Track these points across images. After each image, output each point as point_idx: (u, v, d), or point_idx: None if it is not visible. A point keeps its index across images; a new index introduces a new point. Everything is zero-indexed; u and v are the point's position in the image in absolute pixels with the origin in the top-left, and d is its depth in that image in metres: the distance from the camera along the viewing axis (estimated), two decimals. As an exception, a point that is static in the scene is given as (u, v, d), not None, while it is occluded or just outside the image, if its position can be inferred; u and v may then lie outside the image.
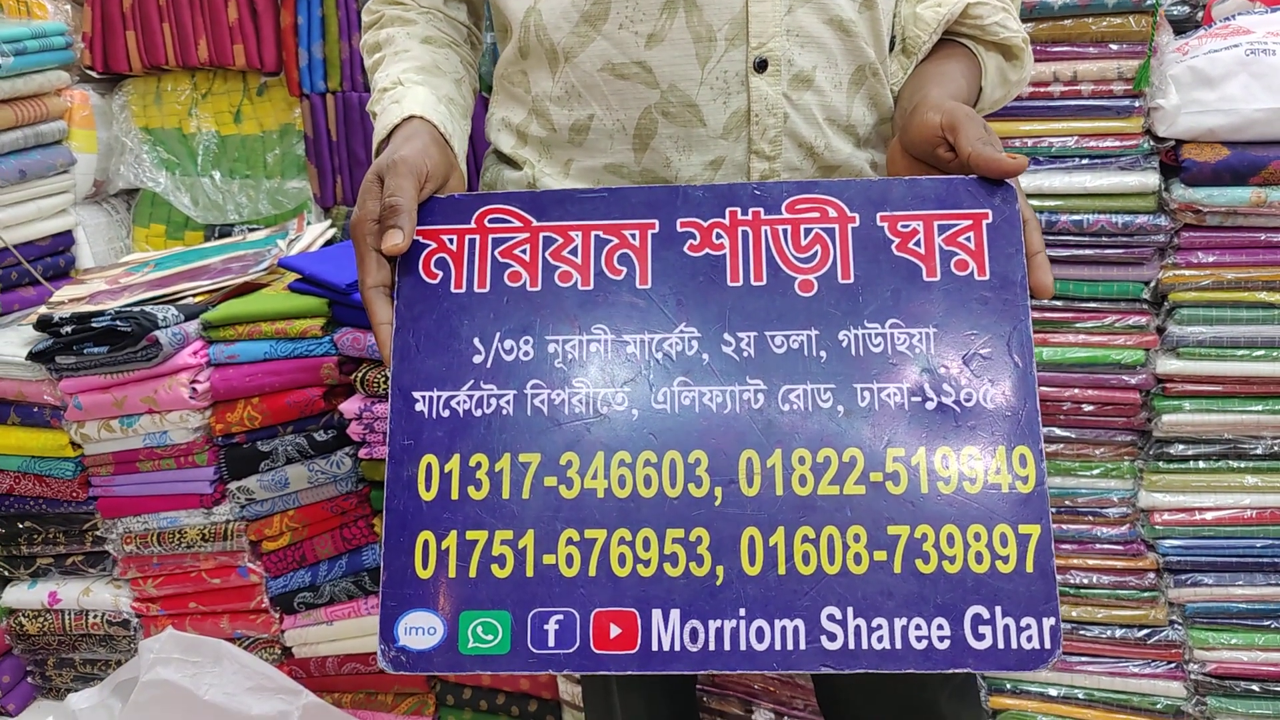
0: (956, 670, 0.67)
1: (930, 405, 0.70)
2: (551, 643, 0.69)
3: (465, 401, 0.74)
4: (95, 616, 1.69)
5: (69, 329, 1.56)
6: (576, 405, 0.73)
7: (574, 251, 0.76)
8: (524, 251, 0.77)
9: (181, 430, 1.57)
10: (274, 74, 1.90)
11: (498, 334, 0.75)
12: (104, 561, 1.70)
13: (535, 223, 0.77)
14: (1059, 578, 1.49)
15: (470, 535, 0.71)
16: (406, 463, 0.73)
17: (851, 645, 0.67)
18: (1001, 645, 0.67)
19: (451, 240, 0.77)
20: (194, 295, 1.63)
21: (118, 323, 1.53)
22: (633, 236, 0.76)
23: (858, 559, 0.69)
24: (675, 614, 0.69)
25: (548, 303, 0.75)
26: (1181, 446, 1.43)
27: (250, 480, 1.57)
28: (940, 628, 0.67)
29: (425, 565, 0.71)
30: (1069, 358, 1.43)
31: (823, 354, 0.72)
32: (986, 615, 0.67)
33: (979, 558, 0.68)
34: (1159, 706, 1.49)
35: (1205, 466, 1.43)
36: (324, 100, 1.84)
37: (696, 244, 0.75)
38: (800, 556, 0.69)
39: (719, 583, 0.69)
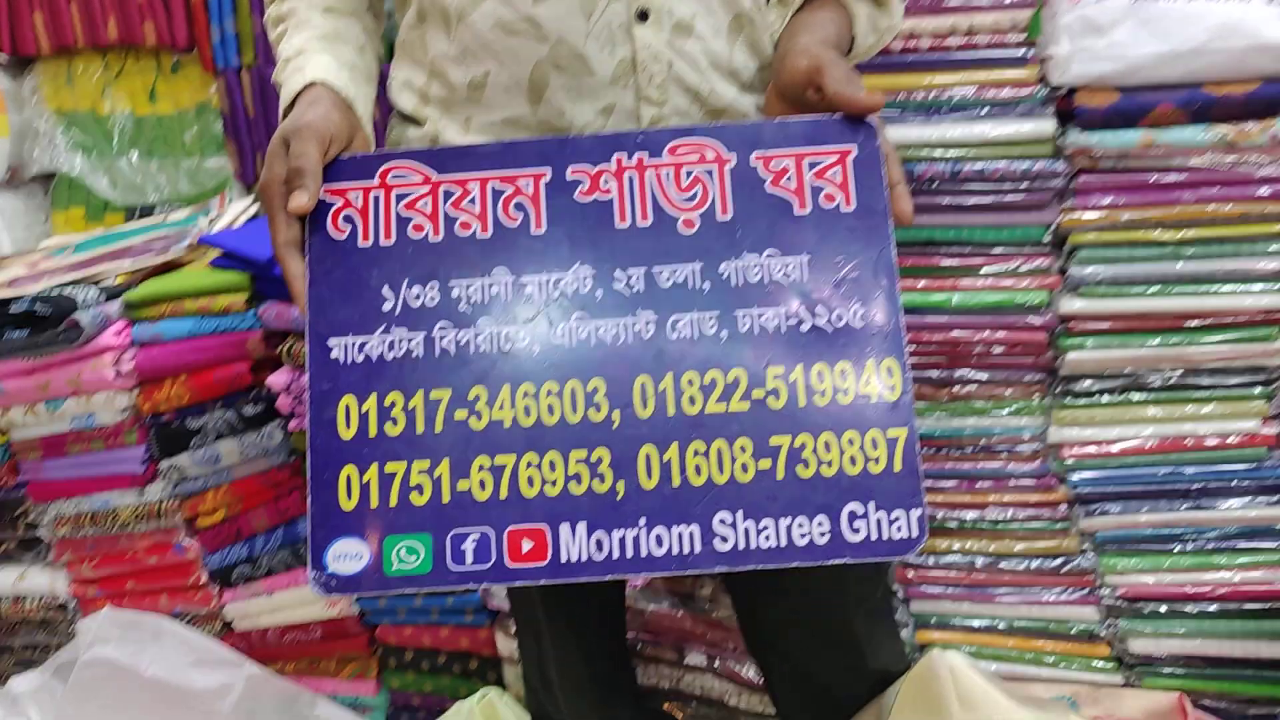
0: (835, 561, 0.75)
1: (805, 327, 0.77)
2: (469, 560, 0.75)
3: (378, 345, 0.80)
4: (31, 602, 1.70)
5: (-13, 315, 1.55)
6: (482, 344, 0.79)
7: (472, 202, 0.82)
8: (425, 205, 0.82)
9: (109, 411, 1.57)
10: (187, 51, 1.88)
11: (405, 281, 0.81)
12: (38, 546, 1.70)
13: (435, 176, 0.82)
14: (974, 514, 1.56)
15: (390, 468, 0.77)
16: (325, 405, 0.78)
17: (742, 545, 0.75)
18: (874, 536, 0.76)
19: (356, 197, 0.83)
20: (115, 276, 1.62)
21: (36, 306, 1.52)
22: (526, 185, 0.81)
23: (744, 468, 0.76)
24: (582, 527, 0.75)
25: (450, 251, 0.81)
26: (1087, 382, 1.50)
27: (181, 458, 1.57)
28: (820, 524, 0.76)
29: (349, 497, 0.76)
30: (978, 302, 1.48)
31: (706, 285, 0.79)
32: (861, 511, 0.76)
33: (853, 460, 0.76)
34: (1074, 631, 1.56)
35: (1109, 400, 1.50)
36: (239, 76, 1.84)
37: (586, 190, 0.81)
38: (693, 469, 0.76)
39: (620, 497, 0.76)
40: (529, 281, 0.80)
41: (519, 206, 0.81)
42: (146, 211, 1.95)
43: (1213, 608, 1.49)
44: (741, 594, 1.21)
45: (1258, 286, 1.40)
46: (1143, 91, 1.36)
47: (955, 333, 1.50)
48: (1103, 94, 1.37)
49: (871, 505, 0.75)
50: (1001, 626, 1.57)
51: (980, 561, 1.57)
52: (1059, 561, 1.55)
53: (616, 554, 0.75)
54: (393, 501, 0.76)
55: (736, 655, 1.44)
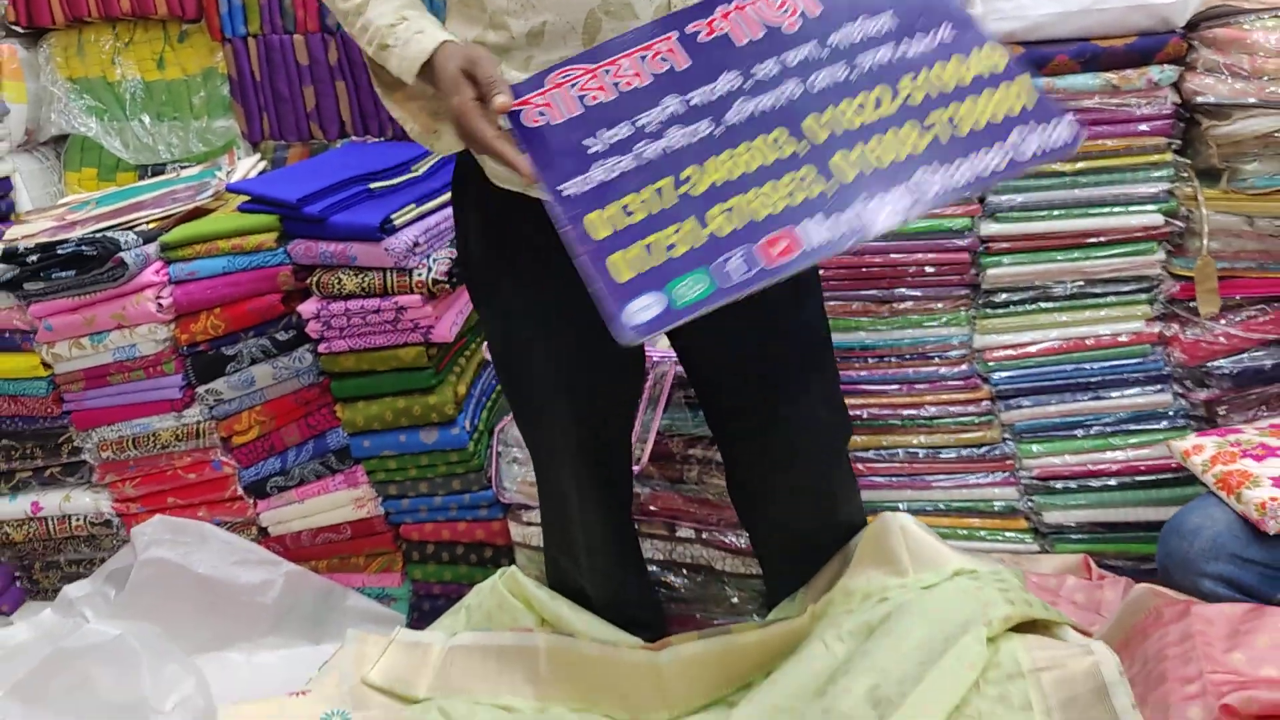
0: (1022, 169, 1.00)
1: (909, 49, 1.05)
2: (740, 272, 0.95)
3: (598, 174, 1.02)
4: (78, 519, 1.87)
5: (35, 257, 1.72)
6: (678, 143, 1.03)
7: (627, 69, 1.07)
8: (592, 83, 1.07)
9: (150, 342, 1.75)
10: (194, 21, 2.05)
11: (599, 130, 1.04)
12: (81, 470, 1.88)
13: (590, 66, 1.07)
14: (912, 412, 1.81)
15: (648, 240, 0.98)
16: (577, 225, 0.99)
17: (946, 186, 0.98)
18: (1042, 147, 1.00)
19: (539, 98, 1.07)
20: (147, 223, 1.80)
21: (83, 248, 1.70)
22: (662, 46, 1.07)
23: (918, 144, 1.00)
24: (817, 218, 0.97)
25: (624, 101, 1.05)
26: (1004, 295, 1.76)
27: (218, 383, 1.77)
28: (999, 150, 0.99)
29: (624, 272, 0.96)
30: (911, 228, 1.73)
31: (825, 53, 1.05)
32: (1024, 131, 1.00)
33: (1000, 106, 1.01)
34: (997, 508, 1.82)
35: (1023, 310, 1.76)
36: (246, 44, 2.02)
37: (706, 33, 1.08)
38: (876, 157, 1.00)
39: (835, 191, 0.98)
40: (693, 95, 1.04)
41: (663, 59, 1.06)
42: (158, 170, 2.12)
43: (1112, 482, 1.77)
44: (733, 460, 1.46)
45: (1140, 208, 1.67)
46: (1043, 45, 1.62)
47: (893, 256, 1.76)
48: (1011, 48, 1.62)
49: (1030, 124, 0.99)
50: (931, 509, 1.83)
51: (918, 453, 1.83)
52: (983, 450, 1.81)
53: (850, 227, 0.95)
54: (660, 259, 0.96)
55: (720, 527, 1.68)
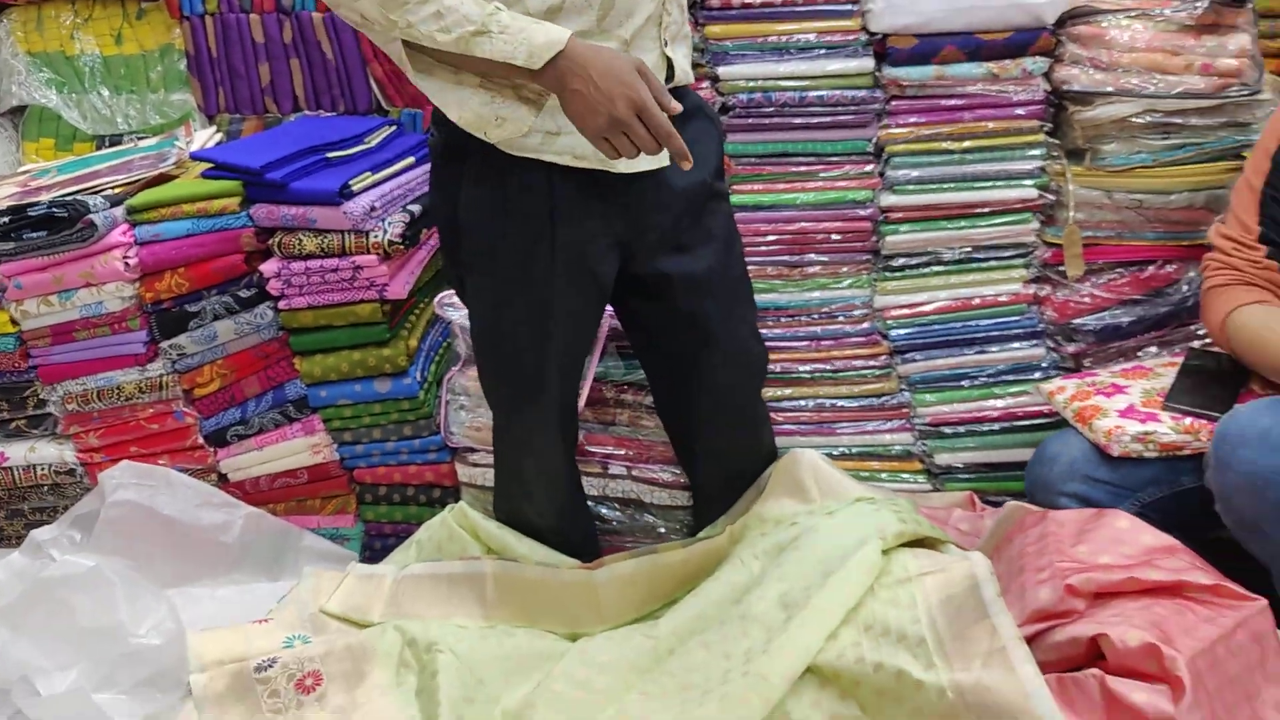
0: None
1: None
2: None
3: None
4: (43, 469, 1.98)
5: (7, 219, 1.83)
6: None
7: None
8: None
9: (116, 300, 1.87)
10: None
11: None
12: (46, 422, 1.98)
13: None
14: (819, 366, 2.01)
15: None
16: None
17: None
18: None
19: None
20: (113, 188, 1.92)
21: (54, 210, 1.81)
22: None
23: None
24: None
25: None
26: (901, 260, 1.97)
27: (181, 338, 1.89)
28: None
29: None
30: (819, 199, 1.93)
31: None
32: None
33: None
34: (894, 452, 2.03)
35: (917, 273, 1.98)
36: (203, 21, 2.13)
37: None
38: None
39: None
40: None
41: None
42: (115, 141, 2.22)
43: (995, 426, 1.99)
44: (671, 396, 1.66)
45: (1017, 183, 1.90)
46: (934, 37, 1.83)
47: (803, 224, 1.96)
48: (906, 39, 1.83)
49: None
50: (838, 452, 2.04)
51: (825, 403, 2.04)
52: (882, 399, 2.02)
53: None
54: None
55: (649, 464, 1.87)
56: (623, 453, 1.88)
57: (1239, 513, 1.36)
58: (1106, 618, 1.25)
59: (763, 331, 1.97)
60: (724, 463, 1.72)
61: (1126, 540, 1.34)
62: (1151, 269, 1.92)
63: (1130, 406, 1.61)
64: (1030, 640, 1.28)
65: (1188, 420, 1.55)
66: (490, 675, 1.56)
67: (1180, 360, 1.70)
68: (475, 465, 1.91)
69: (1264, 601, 1.26)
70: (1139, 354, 1.93)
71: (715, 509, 1.74)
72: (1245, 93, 1.76)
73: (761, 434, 1.75)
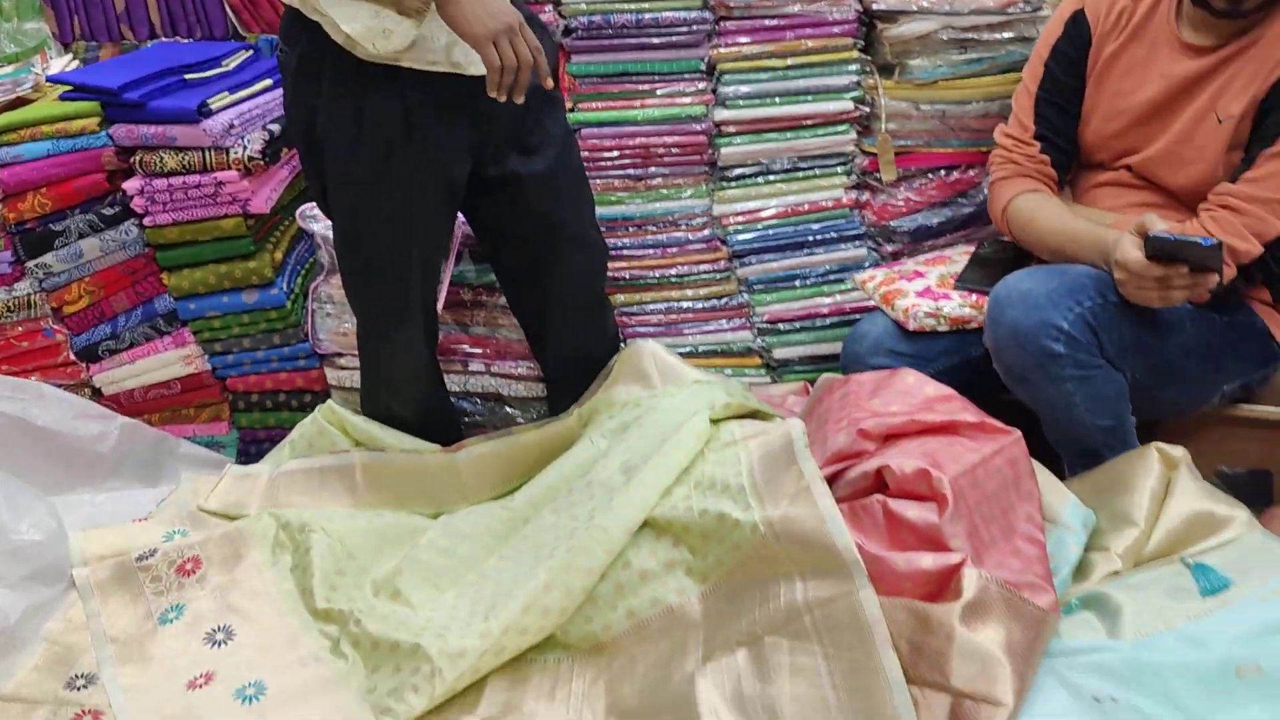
0: None
1: None
2: None
3: None
4: (-90, 389, 2.01)
5: None
6: None
7: None
8: None
9: (-22, 222, 1.92)
10: (0, -72, 2.18)
11: None
12: (-89, 343, 2.01)
13: None
14: (665, 272, 2.17)
15: None
16: None
17: None
18: None
19: None
20: (-33, 113, 1.95)
21: (-88, 134, 1.85)
22: None
23: None
24: None
25: None
26: (736, 170, 2.15)
27: (47, 257, 1.95)
28: None
29: None
30: (658, 115, 2.08)
31: None
32: None
33: None
34: (736, 349, 2.22)
35: (751, 182, 2.15)
36: (56, -50, 2.16)
37: None
38: None
39: None
40: None
41: None
42: (-31, 70, 2.23)
43: (825, 322, 2.20)
44: (523, 291, 1.81)
45: (836, 96, 2.09)
46: (756, -39, 2.00)
47: (645, 139, 2.11)
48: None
49: None
50: (689, 351, 2.22)
51: (671, 306, 2.21)
52: (724, 300, 2.21)
53: None
54: None
55: (505, 360, 2.02)
56: (480, 351, 2.02)
57: (1008, 364, 1.58)
58: (890, 453, 1.45)
59: (612, 241, 2.13)
60: (573, 352, 1.88)
61: (912, 392, 1.55)
62: (956, 174, 2.14)
63: (927, 288, 1.82)
64: (830, 480, 1.48)
65: (974, 297, 1.77)
66: (360, 550, 1.70)
67: (973, 249, 1.93)
68: (343, 369, 2.03)
69: (1019, 433, 1.48)
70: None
71: (566, 397, 1.90)
72: (1028, 10, 1.98)
73: (606, 322, 1.92)
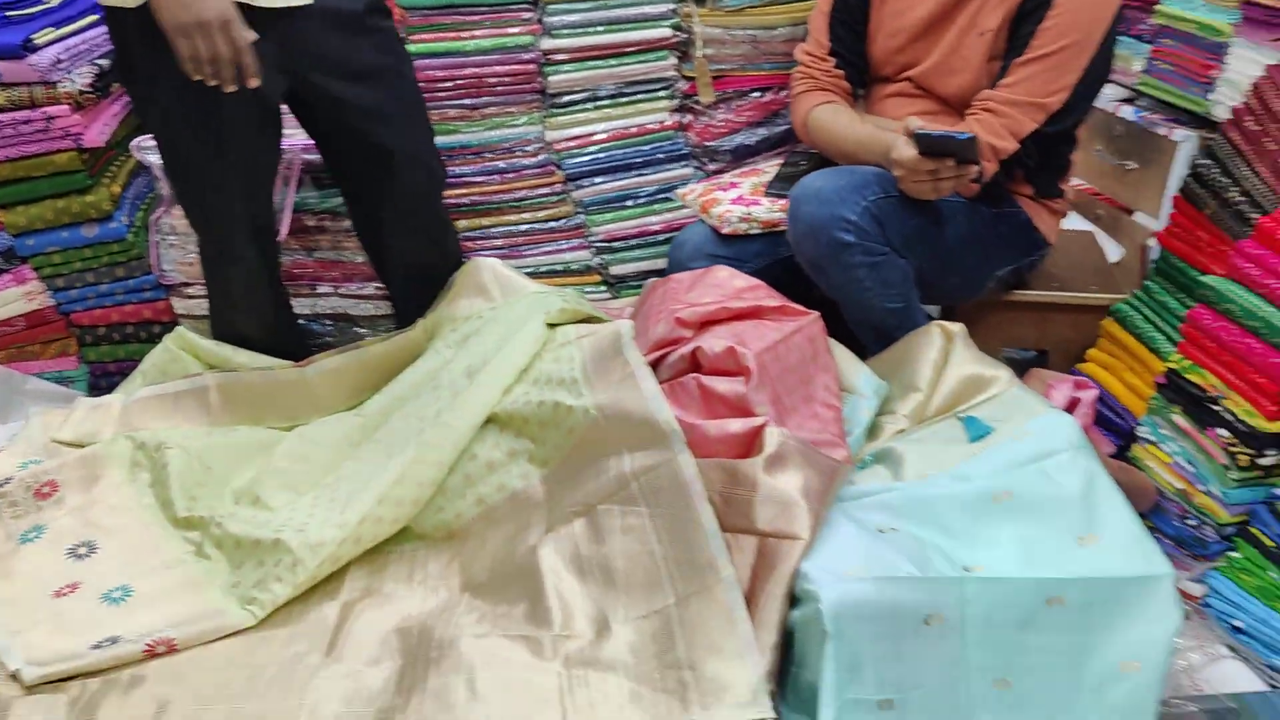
0: None
1: None
2: None
3: None
4: None
5: None
6: None
7: None
8: None
9: None
10: None
11: None
12: None
13: None
14: (504, 197, 2.29)
15: None
16: None
17: None
18: None
19: None
20: None
21: None
22: None
23: None
24: None
25: None
26: (566, 97, 2.27)
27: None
28: None
29: None
30: (488, 45, 2.18)
31: None
32: None
33: None
34: (575, 268, 2.37)
35: (580, 109, 2.28)
36: None
37: None
38: None
39: None
40: None
41: None
42: None
43: (658, 238, 2.35)
44: (365, 214, 1.90)
45: (655, 24, 2.22)
46: (573, -105, 2.11)
47: (477, 69, 2.21)
48: None
49: None
50: (531, 271, 2.34)
51: (512, 229, 2.33)
52: (561, 222, 2.34)
53: None
54: None
55: (352, 283, 2.11)
56: (327, 274, 2.10)
57: (808, 256, 1.77)
58: (704, 338, 1.62)
59: (452, 169, 2.23)
60: (415, 271, 1.98)
61: (723, 284, 1.72)
62: (770, 95, 2.31)
63: (740, 197, 2.00)
64: (653, 365, 1.63)
65: (781, 202, 1.95)
66: (218, 463, 1.78)
67: (781, 161, 2.11)
68: (190, 298, 2.08)
69: (817, 314, 1.67)
70: (765, 166, 2.33)
71: (412, 314, 2.01)
72: (824, -60, 2.15)
73: (447, 242, 2.03)
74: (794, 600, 1.35)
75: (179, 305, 2.09)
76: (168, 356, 1.95)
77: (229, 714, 1.35)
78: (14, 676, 1.40)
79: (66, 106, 1.91)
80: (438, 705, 1.34)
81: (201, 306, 2.06)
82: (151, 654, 1.45)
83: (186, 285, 2.09)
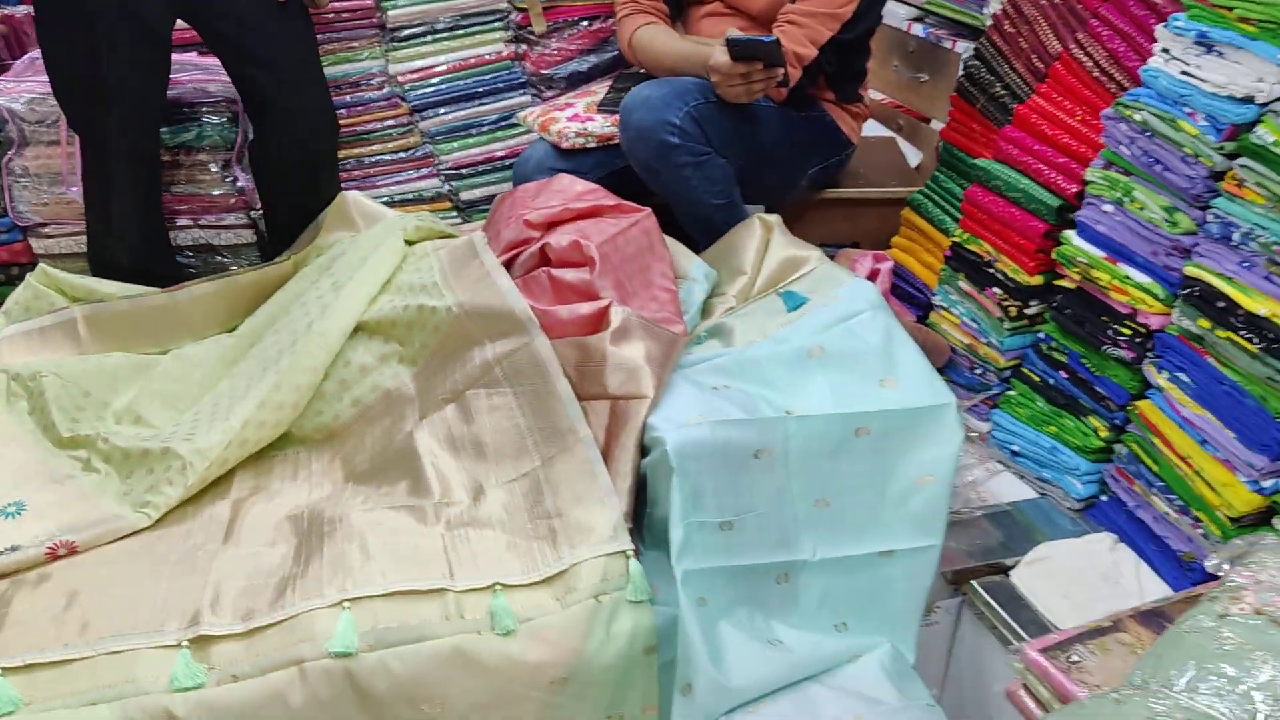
0: None
1: None
2: None
3: None
4: None
5: None
6: None
7: None
8: None
9: None
10: None
11: None
12: None
13: None
14: (354, 130, 2.40)
15: None
16: None
17: None
18: None
19: None
20: None
21: None
22: None
23: None
24: None
25: None
26: (406, 31, 2.39)
27: None
28: None
29: None
30: (327, -18, 2.28)
31: None
32: None
33: None
34: (427, 195, 2.50)
35: (420, 41, 2.40)
36: None
37: None
38: None
39: None
40: None
41: None
42: None
43: (504, 163, 2.51)
44: (260, 149, 2.00)
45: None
46: None
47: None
48: None
49: None
50: (386, 201, 2.46)
51: (363, 160, 2.44)
52: (410, 152, 2.47)
53: None
54: None
55: (210, 214, 2.19)
56: (186, 207, 2.18)
57: (638, 159, 1.96)
58: (550, 236, 1.80)
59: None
60: (293, 207, 2.11)
61: (565, 190, 1.90)
62: (599, 23, 2.48)
63: (575, 114, 2.17)
64: (506, 265, 1.81)
65: (613, 118, 2.13)
66: (95, 387, 1.85)
67: (610, 81, 2.29)
68: (49, 237, 2.13)
69: (649, 210, 1.87)
70: (598, 90, 2.51)
71: (283, 244, 2.12)
72: (638, -125, 2.33)
73: (323, 186, 2.16)
74: (645, 451, 1.56)
75: (38, 245, 2.13)
76: (31, 294, 1.99)
77: (136, 596, 1.46)
78: (-81, 589, 1.48)
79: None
80: (335, 569, 1.48)
81: (60, 245, 2.11)
82: (54, 556, 1.54)
83: (43, 225, 2.13)
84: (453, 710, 1.37)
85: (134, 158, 1.91)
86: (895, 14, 2.72)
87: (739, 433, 1.53)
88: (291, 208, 2.13)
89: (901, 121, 2.80)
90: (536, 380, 1.65)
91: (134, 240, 1.99)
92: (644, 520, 1.57)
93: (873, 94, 2.85)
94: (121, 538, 1.60)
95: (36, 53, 2.15)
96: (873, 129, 2.68)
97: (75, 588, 1.48)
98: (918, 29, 2.69)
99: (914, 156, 2.67)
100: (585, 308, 1.69)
